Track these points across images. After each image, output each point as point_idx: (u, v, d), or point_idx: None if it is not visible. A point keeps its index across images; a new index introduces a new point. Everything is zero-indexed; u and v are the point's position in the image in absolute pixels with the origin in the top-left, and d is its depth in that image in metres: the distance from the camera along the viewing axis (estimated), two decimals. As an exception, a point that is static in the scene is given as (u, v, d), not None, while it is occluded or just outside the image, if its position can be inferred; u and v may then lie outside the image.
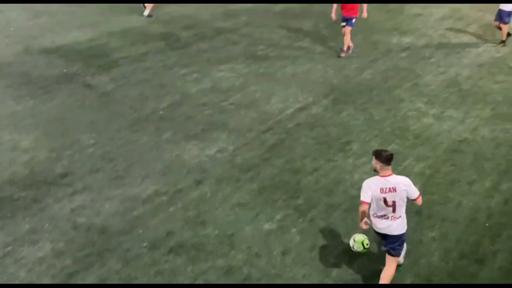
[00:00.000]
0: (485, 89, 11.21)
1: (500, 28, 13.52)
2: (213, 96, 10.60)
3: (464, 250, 6.63)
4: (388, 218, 5.65)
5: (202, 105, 10.20)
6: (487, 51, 13.39)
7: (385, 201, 5.56)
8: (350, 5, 12.36)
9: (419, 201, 5.76)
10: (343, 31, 12.70)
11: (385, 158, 5.61)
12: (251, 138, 9.11)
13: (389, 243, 5.76)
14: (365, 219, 5.60)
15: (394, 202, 5.58)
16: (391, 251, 5.77)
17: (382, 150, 5.77)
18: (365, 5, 12.71)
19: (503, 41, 13.59)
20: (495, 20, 13.54)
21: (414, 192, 5.69)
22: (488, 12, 16.72)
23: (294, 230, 6.92)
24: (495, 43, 13.70)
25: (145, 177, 7.93)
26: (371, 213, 5.75)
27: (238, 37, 13.91)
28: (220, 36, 13.92)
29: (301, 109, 10.17)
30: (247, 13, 15.90)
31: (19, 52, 12.33)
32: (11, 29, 13.84)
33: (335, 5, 12.64)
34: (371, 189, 5.61)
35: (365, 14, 12.73)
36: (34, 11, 15.28)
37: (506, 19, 13.31)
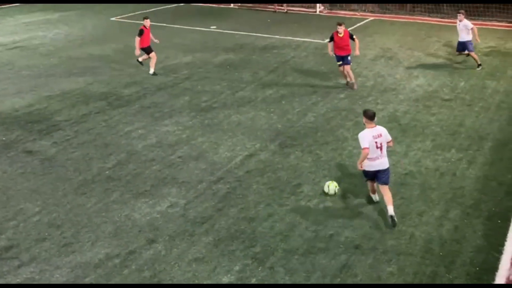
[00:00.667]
0: (423, 122, 11.69)
1: (468, 55, 15.51)
2: (160, 151, 10.49)
3: (423, 282, 6.70)
4: (378, 158, 7.91)
5: (150, 161, 10.05)
6: (420, 86, 14.06)
7: (376, 144, 7.78)
8: (343, 44, 13.42)
9: (391, 143, 8.15)
10: (343, 70, 13.78)
11: (369, 115, 7.92)
12: (203, 189, 9.01)
13: (382, 176, 8.02)
14: (360, 163, 7.88)
15: (381, 144, 7.86)
16: (385, 181, 8.02)
17: (367, 110, 8.09)
18: (357, 43, 13.82)
19: (479, 64, 15.27)
20: (459, 51, 15.53)
21: (389, 137, 8.05)
22: (416, 50, 17.71)
23: (254, 280, 6.79)
24: (424, 77, 14.44)
25: (95, 241, 7.63)
26: (367, 159, 7.84)
27: (181, 90, 13.97)
28: (162, 91, 13.93)
29: (249, 156, 10.21)
30: (187, 67, 16.06)
31: (-48, 123, 11.84)
32: None
33: (329, 44, 13.79)
34: (367, 137, 7.78)
35: (357, 52, 13.89)
36: (-33, 81, 14.80)
37: (471, 47, 15.17)
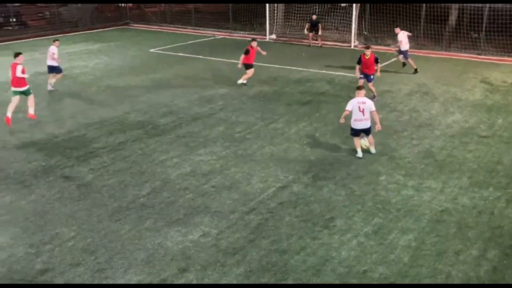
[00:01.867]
0: (460, 158, 11.47)
1: (405, 64, 19.42)
2: (194, 180, 10.56)
3: (460, 323, 6.46)
4: (362, 120, 11.16)
5: (183, 190, 10.12)
6: (456, 122, 13.85)
7: (359, 108, 11.07)
8: (369, 64, 15.50)
9: (375, 113, 11.30)
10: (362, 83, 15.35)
11: (359, 87, 11.58)
12: (235, 220, 9.00)
13: (365, 133, 11.41)
14: (343, 119, 11.43)
15: (363, 109, 11.08)
16: (368, 134, 11.40)
17: (358, 85, 12.31)
18: (379, 65, 15.73)
19: (416, 69, 19.13)
20: (402, 58, 19.19)
21: (373, 107, 11.27)
22: (452, 85, 17.53)
23: (285, 313, 6.67)
24: (460, 114, 14.23)
25: (128, 267, 7.66)
26: (352, 120, 11.26)
27: (215, 121, 14.12)
28: (197, 121, 14.12)
29: (282, 187, 10.18)
30: (222, 98, 16.27)
31: (-4, 147, 12.23)
32: (-12, 125, 13.80)
33: (357, 66, 15.74)
34: (352, 103, 11.22)
35: (378, 73, 15.76)
36: (11, 107, 15.31)
37: (407, 55, 19.26)
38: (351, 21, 24.91)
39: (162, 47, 25.11)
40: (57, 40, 17.69)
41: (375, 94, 15.72)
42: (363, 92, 11.37)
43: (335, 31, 26.33)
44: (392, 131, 13.21)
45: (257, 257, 7.88)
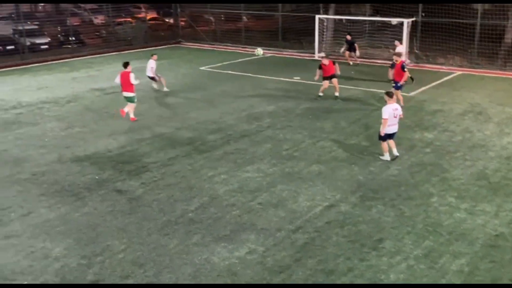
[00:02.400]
0: (515, 181, 11.02)
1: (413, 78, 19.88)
2: (241, 196, 10.61)
3: None
4: (395, 124, 12.05)
5: (231, 206, 10.18)
6: (512, 143, 13.34)
7: (394, 114, 11.87)
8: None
9: (402, 116, 12.32)
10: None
11: (390, 95, 12.04)
12: (281, 238, 8.95)
13: (393, 136, 12.25)
14: (382, 131, 12.01)
15: (397, 115, 11.97)
16: (394, 138, 12.25)
17: (388, 91, 12.33)
18: (406, 73, 16.39)
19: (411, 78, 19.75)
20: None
21: (401, 111, 12.20)
22: (507, 105, 16.95)
23: (331, 335, 6.54)
24: (518, 135, 13.70)
25: (175, 282, 7.74)
26: (388, 125, 11.90)
27: (263, 138, 14.18)
28: (245, 138, 14.21)
29: (329, 207, 10.07)
30: (270, 116, 16.33)
31: (52, 161, 12.72)
32: (46, 139, 14.38)
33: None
34: (388, 111, 11.84)
35: (405, 78, 16.56)
36: (68, 122, 15.95)
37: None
38: (402, 39, 24.57)
39: (212, 65, 25.55)
40: (155, 54, 19.82)
41: (402, 104, 16.06)
42: (394, 98, 12.16)
43: (385, 49, 26.03)
44: (444, 152, 12.86)
45: (303, 277, 7.80)
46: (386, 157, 12.30)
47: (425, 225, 9.28)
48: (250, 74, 23.07)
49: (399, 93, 16.12)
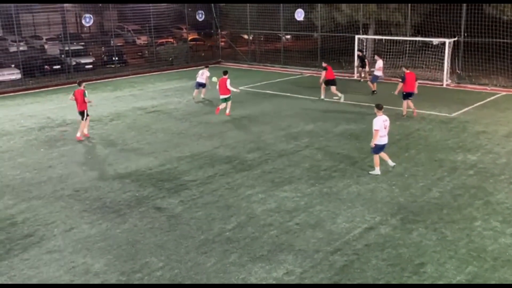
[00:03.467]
0: None
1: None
2: (278, 216, 10.55)
3: None
4: (385, 136, 12.44)
5: (268, 226, 10.14)
6: (561, 167, 12.83)
7: (385, 126, 12.38)
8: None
9: (375, 131, 12.37)
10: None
11: (380, 107, 12.52)
12: (319, 259, 8.84)
13: (385, 147, 12.63)
14: (373, 142, 12.46)
15: (386, 126, 12.46)
16: (384, 149, 12.64)
17: (378, 104, 12.72)
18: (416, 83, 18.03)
19: (374, 91, 22.11)
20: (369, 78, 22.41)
21: (388, 122, 12.56)
22: (555, 127, 16.34)
23: None
24: None
25: (213, 301, 7.73)
26: (379, 136, 12.29)
27: (301, 158, 14.12)
28: (283, 157, 14.19)
29: (368, 229, 9.89)
30: (308, 135, 16.28)
31: (95, 178, 13.02)
32: (89, 157, 14.76)
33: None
34: (379, 122, 12.28)
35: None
36: (110, 139, 16.34)
37: (375, 80, 22.48)
38: (443, 59, 24.18)
39: (251, 85, 25.75)
40: (207, 66, 22.41)
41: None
42: (382, 110, 12.56)
43: (427, 69, 25.66)
44: (488, 174, 12.48)
45: (341, 300, 7.65)
46: (377, 171, 12.63)
47: (469, 250, 8.99)
48: (289, 94, 23.13)
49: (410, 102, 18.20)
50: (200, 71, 21.98)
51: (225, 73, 19.07)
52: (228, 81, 18.76)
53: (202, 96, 22.18)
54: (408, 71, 18.26)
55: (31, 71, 27.13)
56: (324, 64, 21.64)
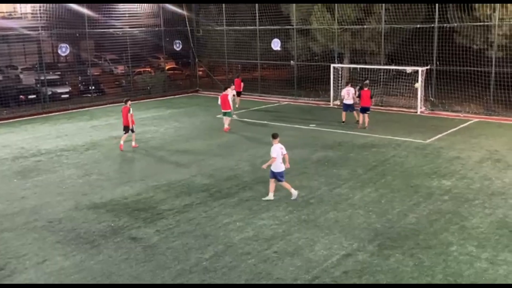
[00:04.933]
0: (538, 229, 10.73)
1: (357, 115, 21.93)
2: (256, 244, 10.47)
3: None
4: (282, 162, 12.69)
5: (246, 254, 10.04)
6: (533, 191, 13.08)
7: (282, 152, 12.62)
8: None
9: (286, 156, 12.79)
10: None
11: (275, 136, 12.93)
12: (297, 288, 8.76)
13: (282, 175, 12.81)
14: (266, 166, 12.91)
15: (283, 154, 12.72)
16: (282, 179, 12.84)
17: (274, 133, 13.20)
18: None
19: (358, 121, 21.87)
20: (350, 111, 22.14)
21: (285, 151, 12.78)
22: (526, 152, 16.71)
23: None
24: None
25: (189, 333, 7.57)
26: (276, 163, 12.61)
27: (278, 185, 14.10)
28: (261, 185, 14.16)
29: (346, 256, 9.87)
30: (286, 163, 16.31)
31: (69, 208, 12.78)
32: (64, 187, 14.52)
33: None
34: (276, 150, 12.60)
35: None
36: (85, 169, 16.12)
37: (350, 110, 22.16)
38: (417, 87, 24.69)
39: (229, 113, 25.79)
40: (229, 87, 22.55)
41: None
42: (278, 139, 12.89)
43: (401, 97, 26.14)
44: (463, 199, 12.65)
45: (320, 328, 7.56)
46: (270, 196, 12.90)
47: (445, 275, 9.03)
48: (266, 122, 23.25)
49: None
50: (226, 91, 21.94)
51: (225, 89, 21.76)
52: (230, 97, 21.20)
53: (235, 117, 23.18)
54: (364, 89, 21.14)
55: (5, 101, 26.80)
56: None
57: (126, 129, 18.64)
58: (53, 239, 10.95)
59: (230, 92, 22.32)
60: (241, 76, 29.49)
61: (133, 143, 19.01)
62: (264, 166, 12.94)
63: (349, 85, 22.67)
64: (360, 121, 21.38)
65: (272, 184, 12.98)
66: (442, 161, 16.03)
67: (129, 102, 18.89)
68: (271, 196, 12.97)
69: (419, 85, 22.61)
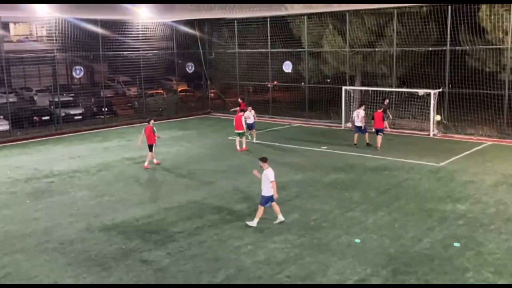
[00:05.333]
0: (556, 256, 10.49)
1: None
2: (268, 268, 10.35)
3: None
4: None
5: (257, 279, 9.91)
6: (550, 216, 12.84)
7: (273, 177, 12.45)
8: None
9: (273, 182, 12.44)
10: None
11: (264, 160, 12.64)
12: (310, 314, 8.60)
13: (273, 199, 12.62)
14: (275, 193, 12.62)
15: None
16: (264, 204, 12.66)
17: (262, 157, 12.81)
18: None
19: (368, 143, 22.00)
20: (361, 133, 22.14)
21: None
22: (542, 176, 16.47)
23: None
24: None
25: None
26: (268, 188, 12.46)
27: (290, 208, 14.02)
28: (273, 208, 14.05)
29: (360, 281, 9.71)
30: (297, 185, 16.23)
31: (81, 230, 12.76)
32: (76, 208, 14.53)
33: None
34: (273, 173, 12.41)
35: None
36: (98, 191, 16.15)
37: (365, 131, 22.13)
38: (429, 109, 24.59)
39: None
40: (243, 109, 23.82)
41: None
42: (266, 162, 12.66)
43: (413, 119, 26.02)
44: (478, 224, 12.44)
45: None
46: (255, 223, 12.62)
47: (462, 302, 8.83)
48: (277, 144, 23.23)
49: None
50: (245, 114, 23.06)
51: (241, 110, 23.13)
52: (244, 118, 21.85)
53: (250, 138, 23.59)
54: (378, 111, 21.63)
55: (19, 122, 27.09)
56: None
57: (151, 147, 19.26)
58: (64, 261, 10.91)
59: (249, 114, 23.02)
60: (241, 97, 29.73)
61: (154, 161, 19.51)
62: (275, 194, 12.63)
63: (362, 107, 22.63)
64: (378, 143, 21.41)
65: (263, 211, 12.73)
66: (455, 185, 15.85)
67: (152, 121, 19.50)
68: (255, 222, 12.67)
69: (439, 117, 22.29)
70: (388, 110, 25.15)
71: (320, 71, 30.11)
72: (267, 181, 12.45)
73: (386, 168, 18.21)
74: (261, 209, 12.68)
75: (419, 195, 14.95)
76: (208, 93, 36.02)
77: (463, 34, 24.32)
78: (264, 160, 12.71)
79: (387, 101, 25.33)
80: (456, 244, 10.91)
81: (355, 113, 22.57)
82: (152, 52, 32.30)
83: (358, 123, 22.13)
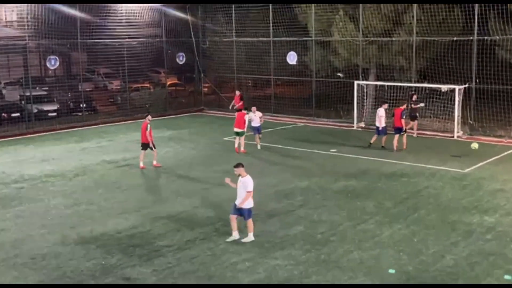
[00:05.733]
0: None
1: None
2: (269, 289, 10.37)
3: None
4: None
5: (256, 300, 9.93)
6: None
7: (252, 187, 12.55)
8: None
9: (250, 193, 12.51)
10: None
11: (240, 166, 12.58)
12: None
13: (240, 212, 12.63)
14: (243, 204, 12.47)
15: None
16: (244, 215, 12.60)
17: (237, 163, 12.77)
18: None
19: (383, 146, 22.04)
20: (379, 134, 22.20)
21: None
22: None
23: None
24: None
25: None
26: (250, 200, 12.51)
27: (294, 219, 14.04)
28: (274, 218, 14.10)
29: (373, 303, 9.72)
30: (302, 193, 16.26)
31: (55, 242, 12.77)
32: (49, 218, 14.53)
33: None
34: (252, 182, 12.46)
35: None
36: (74, 198, 16.17)
37: (383, 133, 22.12)
38: (453, 108, 24.62)
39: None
40: (249, 110, 22.99)
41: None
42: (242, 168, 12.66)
43: (435, 119, 26.06)
44: (508, 239, 12.46)
45: None
46: (250, 237, 12.58)
47: (490, 328, 8.84)
48: (280, 146, 23.27)
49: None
50: (249, 114, 22.84)
51: (244, 108, 22.93)
52: (247, 117, 21.97)
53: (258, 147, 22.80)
54: (399, 108, 22.01)
55: (-15, 120, 27.15)
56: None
57: (144, 146, 19.46)
58: (35, 278, 10.92)
59: (254, 116, 22.71)
60: (239, 92, 30.25)
61: (155, 162, 19.75)
62: (243, 205, 12.47)
63: (383, 105, 22.59)
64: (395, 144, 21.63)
65: (236, 223, 12.69)
66: (483, 194, 15.88)
67: (149, 117, 19.62)
68: (236, 235, 12.67)
69: (477, 145, 21.09)
70: (416, 109, 24.79)
71: (329, 63, 30.16)
72: (244, 190, 12.40)
73: (404, 174, 18.24)
74: (250, 222, 12.67)
75: (442, 205, 14.97)
76: (201, 87, 36.11)
77: (492, 22, 24.37)
78: (239, 165, 12.61)
79: (415, 96, 25.01)
80: (507, 277, 10.44)
81: (377, 111, 22.67)
82: (137, 40, 32.37)
83: (377, 123, 22.25)
